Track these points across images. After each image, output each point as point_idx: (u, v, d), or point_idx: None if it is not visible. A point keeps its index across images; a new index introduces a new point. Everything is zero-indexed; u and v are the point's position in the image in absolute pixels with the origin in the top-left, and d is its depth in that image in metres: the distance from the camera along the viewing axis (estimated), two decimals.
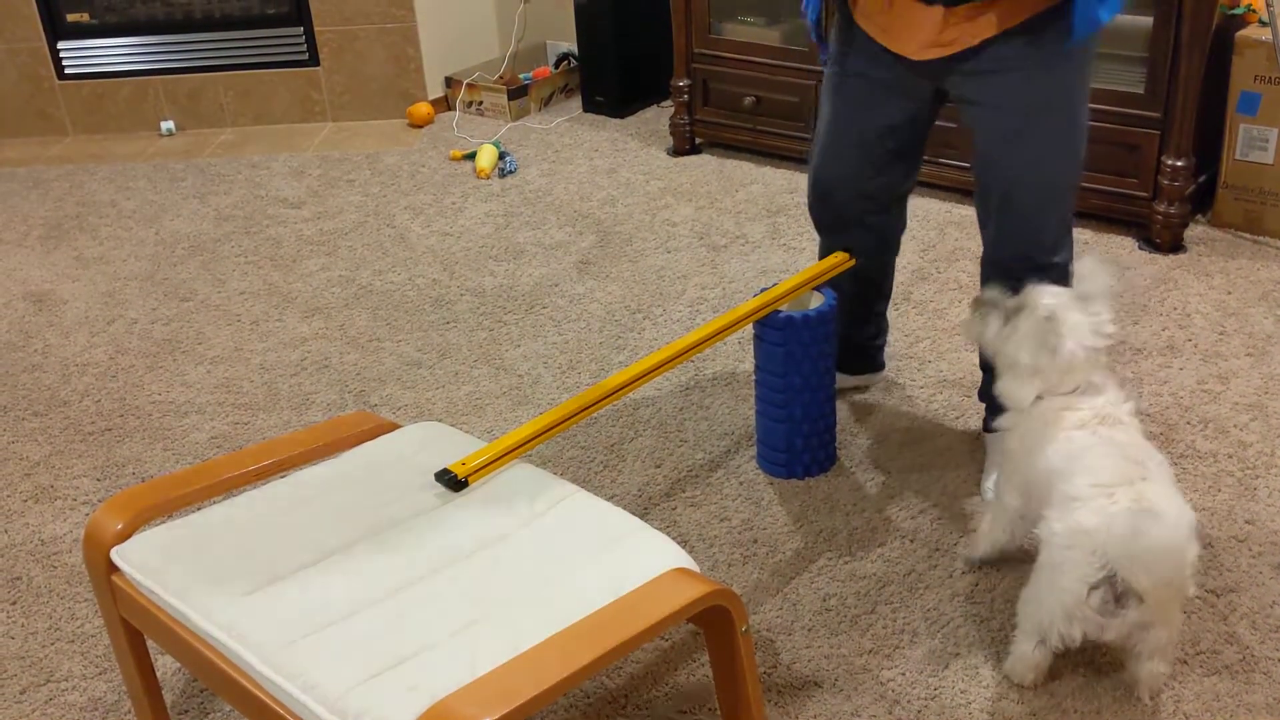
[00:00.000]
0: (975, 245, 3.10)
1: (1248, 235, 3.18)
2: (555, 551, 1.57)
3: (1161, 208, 3.09)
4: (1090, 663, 1.89)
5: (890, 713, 1.83)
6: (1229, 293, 2.91)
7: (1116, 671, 1.87)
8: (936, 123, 2.26)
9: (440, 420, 2.50)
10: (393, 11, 4.32)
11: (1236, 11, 3.11)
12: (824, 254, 2.41)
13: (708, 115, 3.90)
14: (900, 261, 3.15)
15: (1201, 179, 3.19)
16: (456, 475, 1.71)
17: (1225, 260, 3.06)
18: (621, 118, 4.36)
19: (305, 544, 1.61)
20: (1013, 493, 1.95)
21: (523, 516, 1.65)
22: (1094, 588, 1.68)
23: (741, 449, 2.46)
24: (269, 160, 4.18)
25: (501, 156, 3.98)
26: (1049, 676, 1.85)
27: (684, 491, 2.35)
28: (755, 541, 2.20)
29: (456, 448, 1.80)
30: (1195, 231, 3.20)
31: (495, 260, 3.35)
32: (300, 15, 4.36)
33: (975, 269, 3.03)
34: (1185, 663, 1.88)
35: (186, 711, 1.91)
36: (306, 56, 4.42)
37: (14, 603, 2.17)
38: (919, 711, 1.83)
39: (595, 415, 2.56)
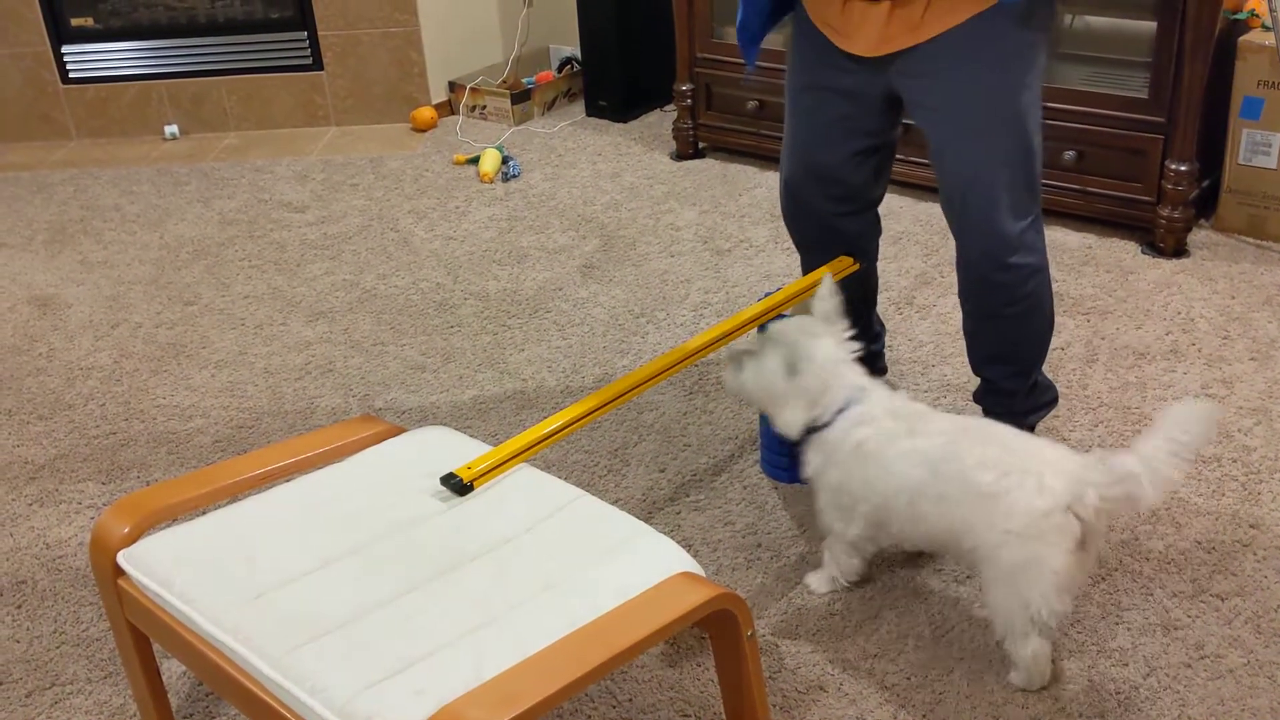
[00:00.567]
0: None
1: (1251, 240, 3.18)
2: (560, 555, 1.57)
3: (1165, 212, 3.09)
4: (1093, 666, 1.89)
5: (895, 717, 1.83)
6: (1233, 297, 2.91)
7: (1120, 673, 1.87)
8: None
9: (444, 424, 2.51)
10: (396, 16, 4.33)
11: (1240, 16, 3.11)
12: (807, 269, 2.42)
13: (711, 119, 3.91)
14: (903, 265, 3.16)
15: (1205, 184, 3.19)
16: (462, 479, 1.71)
17: (1229, 265, 3.06)
18: (624, 122, 4.36)
19: (311, 548, 1.61)
20: (856, 522, 1.95)
21: (528, 520, 1.65)
22: (1076, 548, 1.73)
23: (745, 453, 2.47)
24: (273, 164, 4.19)
25: (505, 161, 3.99)
26: (1053, 679, 1.86)
27: (688, 496, 2.35)
28: (759, 546, 2.20)
29: (461, 452, 1.80)
30: (1199, 236, 3.20)
31: (499, 264, 3.35)
32: (304, 19, 4.37)
33: None
34: (1189, 666, 1.88)
35: (192, 715, 1.91)
36: (310, 61, 4.43)
37: (19, 606, 2.18)
38: (923, 716, 1.83)
39: (599, 420, 2.56)
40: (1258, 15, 3.11)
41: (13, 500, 2.48)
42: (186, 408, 2.77)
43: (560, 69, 4.65)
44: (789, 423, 1.92)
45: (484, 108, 4.46)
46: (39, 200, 4.02)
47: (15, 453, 2.64)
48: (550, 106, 4.54)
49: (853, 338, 1.96)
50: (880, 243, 2.47)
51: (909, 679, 1.89)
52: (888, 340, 2.76)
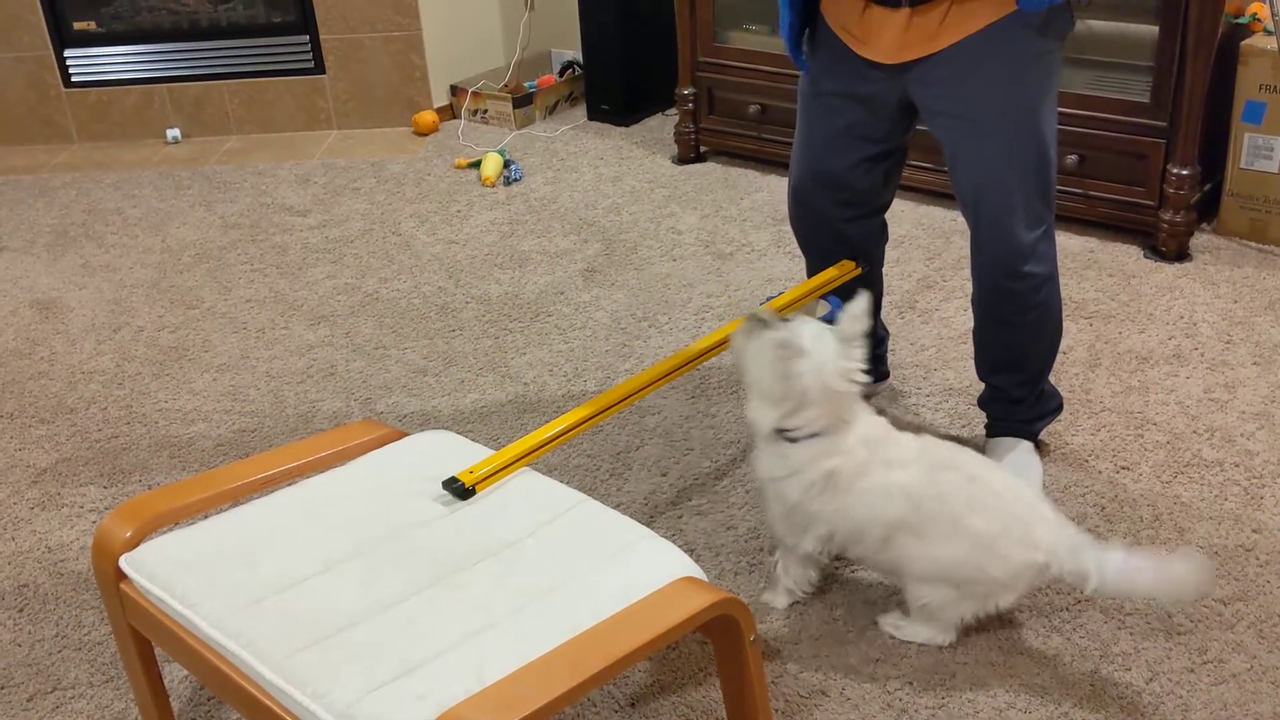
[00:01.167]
0: None
1: (1253, 244, 3.18)
2: (563, 560, 1.57)
3: (1167, 216, 3.09)
4: (1096, 670, 1.88)
5: None
6: (1235, 301, 2.91)
7: (1123, 678, 1.86)
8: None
9: (446, 428, 2.50)
10: (398, 20, 4.33)
11: (1242, 21, 3.11)
12: (811, 273, 2.42)
13: (712, 123, 3.91)
14: (905, 269, 3.16)
15: (1207, 187, 3.19)
16: (464, 483, 1.71)
17: (1231, 269, 3.06)
18: (626, 126, 4.36)
19: (313, 552, 1.61)
20: (812, 541, 1.93)
21: (530, 525, 1.65)
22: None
23: (748, 457, 2.46)
24: (275, 168, 4.19)
25: (506, 164, 3.99)
26: (1056, 684, 1.85)
27: (690, 500, 2.35)
28: (762, 550, 2.20)
29: (463, 456, 1.80)
30: (1201, 240, 3.20)
31: (500, 268, 3.35)
32: (306, 23, 4.37)
33: None
34: (1192, 671, 1.87)
35: (194, 719, 1.91)
36: (312, 64, 4.43)
37: (21, 610, 2.18)
38: None
39: (601, 424, 2.55)
40: (1260, 19, 3.12)
41: (15, 504, 2.48)
42: (188, 411, 2.77)
43: (562, 73, 4.66)
44: (757, 419, 1.88)
45: (486, 112, 4.47)
46: (41, 204, 4.02)
47: (17, 456, 2.64)
48: (552, 110, 4.54)
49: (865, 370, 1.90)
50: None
51: (911, 684, 1.89)
52: (890, 344, 2.75)
